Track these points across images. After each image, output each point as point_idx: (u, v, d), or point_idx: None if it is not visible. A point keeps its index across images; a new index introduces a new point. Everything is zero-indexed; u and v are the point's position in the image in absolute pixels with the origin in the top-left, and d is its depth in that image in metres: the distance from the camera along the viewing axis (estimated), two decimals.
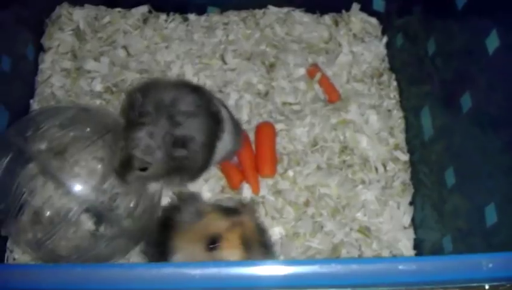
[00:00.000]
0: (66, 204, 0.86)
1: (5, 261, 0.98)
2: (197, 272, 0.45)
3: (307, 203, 1.02)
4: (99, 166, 0.91)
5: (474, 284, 0.49)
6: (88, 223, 0.90)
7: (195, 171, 0.93)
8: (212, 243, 0.78)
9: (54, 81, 1.14)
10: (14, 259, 0.98)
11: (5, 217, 0.87)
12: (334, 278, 0.44)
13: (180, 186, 0.98)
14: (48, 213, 0.87)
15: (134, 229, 0.91)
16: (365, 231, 0.99)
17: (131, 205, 0.92)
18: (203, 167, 0.94)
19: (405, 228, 1.01)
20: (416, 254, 0.99)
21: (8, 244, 0.99)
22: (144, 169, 0.85)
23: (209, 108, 0.91)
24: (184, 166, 0.88)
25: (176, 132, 0.84)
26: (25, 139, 0.88)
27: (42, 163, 0.87)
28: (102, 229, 0.90)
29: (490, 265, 0.46)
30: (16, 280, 0.52)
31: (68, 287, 0.49)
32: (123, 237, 0.91)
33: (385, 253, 0.97)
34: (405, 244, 0.99)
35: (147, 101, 0.86)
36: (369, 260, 0.45)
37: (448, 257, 0.55)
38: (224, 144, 0.95)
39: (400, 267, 0.44)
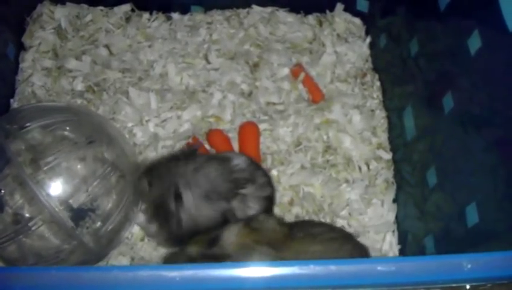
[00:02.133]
0: (43, 206, 0.85)
1: None
2: (175, 274, 0.44)
3: (291, 203, 1.02)
4: (80, 166, 0.90)
5: (454, 285, 0.49)
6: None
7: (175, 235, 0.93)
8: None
9: (34, 80, 1.12)
10: None
11: None
12: (313, 280, 0.44)
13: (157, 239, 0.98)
14: (27, 214, 0.85)
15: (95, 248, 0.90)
16: (350, 228, 0.99)
17: (108, 208, 0.91)
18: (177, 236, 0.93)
19: (389, 225, 1.01)
20: (400, 250, 0.99)
21: None
22: (150, 184, 0.92)
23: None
24: (165, 220, 0.92)
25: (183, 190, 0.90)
26: (7, 137, 0.87)
27: (19, 164, 0.85)
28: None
29: (469, 266, 0.46)
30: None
31: None
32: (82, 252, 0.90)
33: (371, 250, 0.97)
34: (390, 241, 0.99)
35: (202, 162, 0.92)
36: (347, 261, 0.45)
37: (429, 258, 0.55)
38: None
39: (379, 268, 0.44)
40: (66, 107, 0.97)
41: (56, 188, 0.87)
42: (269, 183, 0.96)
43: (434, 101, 0.92)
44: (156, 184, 0.92)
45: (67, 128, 0.93)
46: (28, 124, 0.87)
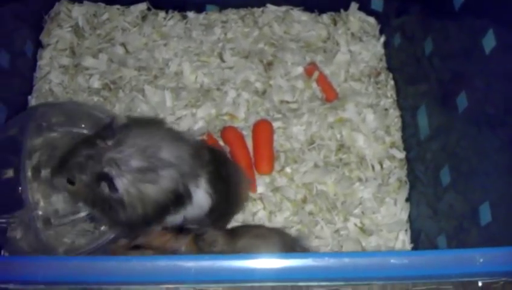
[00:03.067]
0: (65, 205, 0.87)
1: None
2: (191, 264, 0.45)
3: (304, 200, 1.02)
4: None
5: (467, 279, 0.49)
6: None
7: (127, 223, 0.83)
8: None
9: (52, 78, 1.14)
10: None
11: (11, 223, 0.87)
12: (326, 272, 0.44)
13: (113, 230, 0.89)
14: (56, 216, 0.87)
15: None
16: (363, 227, 1.00)
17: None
18: (136, 225, 0.84)
19: (402, 223, 1.02)
20: (413, 249, 1.00)
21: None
22: (70, 182, 0.81)
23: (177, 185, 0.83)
24: (108, 209, 0.81)
25: (112, 172, 0.78)
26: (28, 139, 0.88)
27: (24, 163, 0.85)
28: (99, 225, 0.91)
29: (481, 260, 0.46)
30: (15, 271, 0.52)
31: (65, 279, 0.50)
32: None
33: (383, 248, 0.98)
34: (403, 240, 1.00)
35: (123, 133, 0.81)
36: (361, 253, 0.46)
37: (441, 251, 0.55)
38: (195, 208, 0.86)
39: (392, 261, 0.45)
40: (81, 104, 0.98)
41: None
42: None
43: (448, 100, 0.92)
44: (78, 179, 0.80)
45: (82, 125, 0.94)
46: (55, 127, 0.88)
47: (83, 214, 0.89)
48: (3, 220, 0.88)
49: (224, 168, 0.92)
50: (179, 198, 0.82)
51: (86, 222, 0.91)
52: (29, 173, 0.84)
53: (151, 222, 0.83)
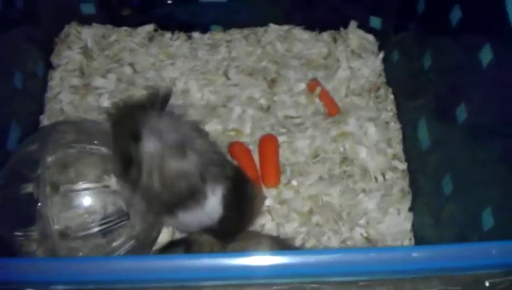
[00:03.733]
0: (82, 219, 0.89)
1: None
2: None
3: (311, 211, 1.05)
4: (108, 178, 0.94)
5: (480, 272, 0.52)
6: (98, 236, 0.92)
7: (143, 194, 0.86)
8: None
9: (62, 98, 1.17)
10: None
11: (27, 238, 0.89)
12: (353, 266, 0.47)
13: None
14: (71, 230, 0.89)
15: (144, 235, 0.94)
16: (368, 236, 1.03)
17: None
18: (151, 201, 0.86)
19: (406, 233, 1.05)
20: None
21: None
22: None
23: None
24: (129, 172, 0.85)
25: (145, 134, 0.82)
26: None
27: (51, 179, 0.88)
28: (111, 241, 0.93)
29: (493, 251, 0.49)
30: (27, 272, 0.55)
31: (78, 278, 0.52)
32: (134, 245, 0.93)
33: None
34: None
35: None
36: (386, 248, 0.49)
37: (457, 245, 0.58)
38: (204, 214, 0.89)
39: (414, 254, 0.48)
40: (94, 121, 1.00)
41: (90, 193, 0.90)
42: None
43: (447, 112, 0.96)
44: (118, 133, 0.85)
45: (95, 142, 0.97)
46: (72, 144, 0.91)
47: (95, 229, 0.91)
48: (20, 234, 0.90)
49: (244, 190, 0.95)
50: (194, 191, 0.84)
51: (98, 237, 0.93)
52: (48, 189, 0.87)
53: (164, 205, 0.85)
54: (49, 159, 0.90)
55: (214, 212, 0.90)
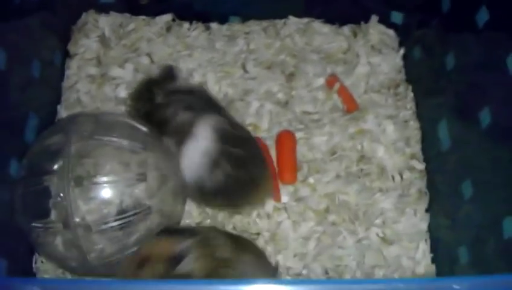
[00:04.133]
0: (99, 211, 0.89)
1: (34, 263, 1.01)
2: None
3: (327, 210, 1.05)
4: (122, 169, 0.93)
5: None
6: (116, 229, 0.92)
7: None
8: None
9: (79, 87, 1.16)
10: (42, 262, 1.01)
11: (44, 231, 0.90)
12: None
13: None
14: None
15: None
16: (384, 236, 1.03)
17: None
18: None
19: (422, 234, 1.04)
20: (432, 259, 1.02)
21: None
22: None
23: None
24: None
25: None
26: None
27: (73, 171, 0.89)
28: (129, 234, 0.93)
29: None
30: None
31: None
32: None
33: (404, 258, 1.01)
34: (423, 250, 1.03)
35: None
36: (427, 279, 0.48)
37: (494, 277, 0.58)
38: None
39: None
40: (127, 123, 0.99)
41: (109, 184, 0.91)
42: None
43: (470, 114, 0.95)
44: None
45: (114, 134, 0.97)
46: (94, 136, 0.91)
47: (114, 223, 0.91)
48: (38, 225, 0.90)
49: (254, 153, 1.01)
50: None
51: (116, 230, 0.93)
52: (71, 182, 0.87)
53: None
54: (71, 151, 0.90)
55: (204, 146, 0.96)
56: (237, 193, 0.99)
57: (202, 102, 1.03)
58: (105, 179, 0.90)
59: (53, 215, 0.90)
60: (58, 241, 0.91)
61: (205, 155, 0.95)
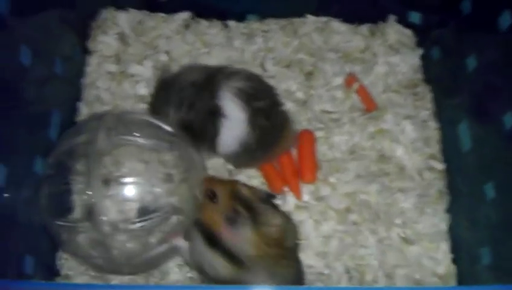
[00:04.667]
0: (124, 210, 0.89)
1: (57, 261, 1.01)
2: None
3: (348, 209, 1.05)
4: (144, 168, 0.94)
5: None
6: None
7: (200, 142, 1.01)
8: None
9: (99, 84, 1.16)
10: (66, 259, 1.01)
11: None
12: None
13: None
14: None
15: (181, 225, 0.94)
16: (405, 236, 1.03)
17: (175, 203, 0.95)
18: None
19: (442, 234, 1.05)
20: (453, 259, 1.03)
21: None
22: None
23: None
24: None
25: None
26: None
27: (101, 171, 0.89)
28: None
29: None
30: None
31: None
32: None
33: (425, 258, 1.02)
34: (444, 250, 1.03)
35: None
36: None
37: None
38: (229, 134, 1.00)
39: None
40: (151, 123, 0.99)
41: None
42: None
43: (493, 117, 0.95)
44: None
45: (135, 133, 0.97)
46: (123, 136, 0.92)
47: (139, 224, 0.91)
48: (63, 223, 0.91)
49: (274, 111, 1.04)
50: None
51: (141, 230, 0.93)
52: (99, 182, 0.87)
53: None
54: (97, 150, 0.90)
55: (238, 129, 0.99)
56: (272, 141, 1.04)
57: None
58: (131, 179, 0.90)
59: (79, 213, 0.91)
60: (84, 239, 0.91)
61: (239, 123, 0.99)
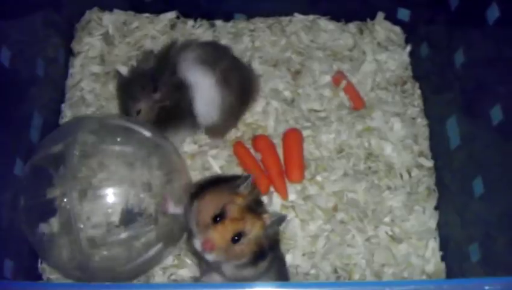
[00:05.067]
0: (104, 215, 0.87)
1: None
2: None
3: (335, 208, 1.04)
4: (128, 171, 0.92)
5: None
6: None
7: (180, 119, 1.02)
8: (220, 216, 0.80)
9: (83, 86, 1.16)
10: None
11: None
12: None
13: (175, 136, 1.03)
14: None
15: (166, 229, 0.92)
16: (393, 235, 1.02)
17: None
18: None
19: (431, 231, 1.03)
20: (442, 257, 1.02)
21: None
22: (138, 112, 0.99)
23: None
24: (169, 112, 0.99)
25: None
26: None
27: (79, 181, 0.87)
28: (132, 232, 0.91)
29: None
30: None
31: None
32: (157, 239, 0.92)
33: (413, 256, 1.00)
34: (432, 248, 1.02)
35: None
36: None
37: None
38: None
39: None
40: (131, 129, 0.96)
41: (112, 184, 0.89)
42: None
43: (480, 111, 0.94)
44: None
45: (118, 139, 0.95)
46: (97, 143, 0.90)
47: (123, 235, 0.89)
48: (42, 232, 0.89)
49: (239, 66, 1.08)
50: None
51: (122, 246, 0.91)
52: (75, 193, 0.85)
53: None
54: (75, 159, 0.88)
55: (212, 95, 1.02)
56: (246, 96, 1.08)
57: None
58: (111, 186, 0.88)
59: (56, 225, 0.89)
60: (62, 250, 0.89)
61: (210, 88, 1.01)
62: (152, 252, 0.91)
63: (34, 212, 0.89)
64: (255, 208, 0.83)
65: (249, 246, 0.81)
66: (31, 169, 0.91)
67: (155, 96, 0.99)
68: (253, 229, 0.81)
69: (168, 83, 0.99)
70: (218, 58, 1.04)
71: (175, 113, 1.00)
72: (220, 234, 0.79)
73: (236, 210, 0.81)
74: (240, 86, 1.05)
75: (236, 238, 0.80)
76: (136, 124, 0.94)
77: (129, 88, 1.00)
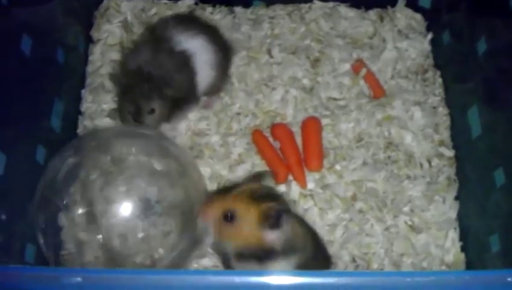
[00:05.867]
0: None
1: None
2: None
3: (354, 197, 1.03)
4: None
5: None
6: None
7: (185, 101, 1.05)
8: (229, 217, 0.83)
9: (103, 72, 1.16)
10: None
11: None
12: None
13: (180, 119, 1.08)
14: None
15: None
16: (413, 224, 1.01)
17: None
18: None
19: (451, 222, 1.03)
20: (462, 247, 1.01)
21: None
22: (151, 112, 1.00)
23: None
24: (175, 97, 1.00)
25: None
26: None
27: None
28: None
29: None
30: None
31: None
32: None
33: (433, 246, 1.00)
34: (452, 238, 1.01)
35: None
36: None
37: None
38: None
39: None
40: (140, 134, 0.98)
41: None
42: None
43: (502, 102, 0.93)
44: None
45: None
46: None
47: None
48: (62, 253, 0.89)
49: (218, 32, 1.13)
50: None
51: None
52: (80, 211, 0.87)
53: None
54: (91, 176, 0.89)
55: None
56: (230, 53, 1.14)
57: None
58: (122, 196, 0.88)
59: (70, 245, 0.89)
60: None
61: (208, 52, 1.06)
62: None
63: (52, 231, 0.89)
64: (260, 198, 0.84)
65: (242, 231, 0.83)
66: (43, 191, 0.90)
67: (168, 91, 0.99)
68: (247, 214, 0.83)
69: (169, 62, 1.00)
70: (199, 23, 1.09)
71: (182, 99, 1.03)
72: (214, 207, 0.84)
73: (238, 193, 0.84)
74: (222, 41, 1.11)
75: (229, 216, 0.83)
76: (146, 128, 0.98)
77: (135, 90, 0.99)
